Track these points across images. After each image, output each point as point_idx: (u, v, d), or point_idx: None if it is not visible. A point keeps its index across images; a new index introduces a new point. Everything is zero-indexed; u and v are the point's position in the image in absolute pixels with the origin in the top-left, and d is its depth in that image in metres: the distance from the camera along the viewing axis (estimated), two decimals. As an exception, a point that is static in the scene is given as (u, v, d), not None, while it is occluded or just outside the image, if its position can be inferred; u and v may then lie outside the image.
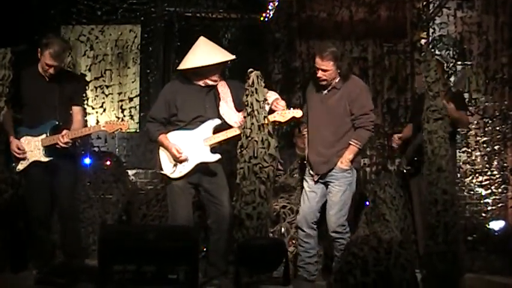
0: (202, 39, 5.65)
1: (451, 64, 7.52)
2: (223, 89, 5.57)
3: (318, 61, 5.47)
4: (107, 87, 8.11)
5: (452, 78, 6.16)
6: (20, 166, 5.55)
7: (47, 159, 5.49)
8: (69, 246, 5.63)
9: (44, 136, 5.49)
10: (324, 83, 5.51)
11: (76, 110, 5.63)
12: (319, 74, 5.48)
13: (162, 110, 5.56)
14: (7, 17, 7.24)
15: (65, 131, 5.42)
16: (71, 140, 5.41)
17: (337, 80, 5.50)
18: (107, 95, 8.13)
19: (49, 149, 5.47)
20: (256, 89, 5.39)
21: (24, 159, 5.50)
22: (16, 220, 6.06)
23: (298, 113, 5.44)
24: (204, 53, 5.50)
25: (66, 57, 5.55)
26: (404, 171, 6.10)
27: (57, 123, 5.48)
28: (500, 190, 7.52)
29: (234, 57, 5.56)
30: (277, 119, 5.46)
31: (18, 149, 5.47)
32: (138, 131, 8.09)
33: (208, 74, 5.48)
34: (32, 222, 5.64)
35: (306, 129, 5.72)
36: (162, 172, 5.55)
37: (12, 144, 5.51)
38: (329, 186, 5.52)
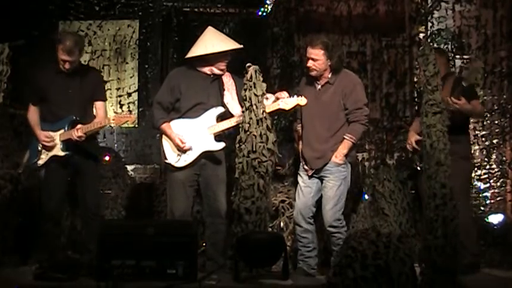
0: (210, 29, 5.71)
1: (450, 58, 7.51)
2: (228, 80, 5.62)
3: (309, 49, 5.52)
4: (105, 82, 8.07)
5: (463, 73, 6.06)
6: (41, 161, 5.64)
7: (63, 154, 5.56)
8: (90, 244, 5.57)
9: (62, 131, 5.56)
10: (314, 73, 5.52)
11: (99, 105, 5.70)
12: (309, 63, 5.52)
13: (168, 94, 5.59)
14: (5, 13, 7.23)
15: (79, 126, 5.48)
16: (84, 134, 5.45)
17: (329, 75, 5.51)
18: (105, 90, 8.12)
19: (66, 144, 5.54)
20: (254, 83, 5.40)
21: (51, 149, 5.58)
22: (16, 216, 6.08)
23: (302, 100, 5.46)
24: (213, 40, 5.54)
25: (80, 52, 5.58)
26: (418, 168, 6.04)
27: (74, 118, 5.54)
28: (499, 184, 7.51)
29: (241, 46, 5.58)
30: (281, 107, 5.49)
31: (47, 137, 5.56)
32: (136, 126, 8.08)
33: (215, 61, 5.52)
34: (42, 216, 5.67)
35: (299, 125, 5.73)
36: (166, 161, 5.56)
37: (40, 136, 5.59)
38: (324, 181, 5.53)
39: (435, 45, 7.46)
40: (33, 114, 5.70)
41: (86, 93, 5.63)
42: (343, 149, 5.48)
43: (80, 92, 5.60)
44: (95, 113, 5.72)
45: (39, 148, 5.63)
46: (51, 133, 5.59)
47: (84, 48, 5.80)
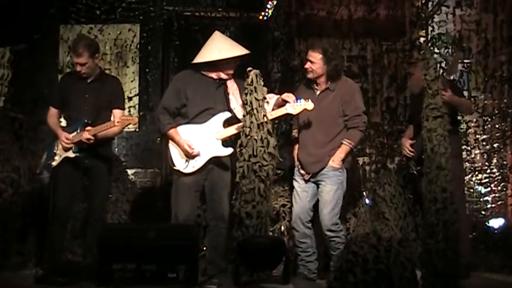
0: (217, 34, 5.70)
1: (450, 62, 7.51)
2: (233, 85, 5.60)
3: (309, 52, 5.59)
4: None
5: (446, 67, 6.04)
6: (54, 162, 5.67)
7: (73, 155, 5.60)
8: (93, 247, 5.50)
9: (75, 133, 5.59)
10: (310, 75, 5.58)
11: (115, 112, 5.72)
12: (307, 65, 5.58)
13: (174, 99, 5.56)
14: (6, 17, 7.24)
15: (88, 128, 5.52)
16: (93, 135, 5.48)
17: (328, 82, 5.54)
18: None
19: (78, 146, 5.58)
20: (255, 87, 5.39)
21: (66, 150, 5.62)
22: (16, 220, 6.09)
23: (309, 105, 5.46)
24: (222, 46, 5.53)
25: (92, 55, 5.60)
26: (414, 172, 6.01)
27: (86, 121, 5.58)
28: (499, 188, 7.52)
29: (249, 52, 5.58)
30: (289, 112, 5.49)
31: (67, 138, 5.59)
32: (137, 130, 8.08)
33: (224, 67, 5.52)
34: (50, 216, 5.66)
35: (296, 131, 5.74)
36: (175, 168, 5.54)
37: (61, 136, 5.62)
38: (320, 186, 5.53)
39: (436, 49, 7.49)
40: (52, 116, 5.78)
41: (102, 100, 5.68)
42: (340, 153, 5.49)
43: (97, 97, 5.66)
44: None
45: (54, 150, 5.68)
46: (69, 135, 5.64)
47: (99, 53, 5.81)
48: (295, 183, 5.67)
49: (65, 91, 5.75)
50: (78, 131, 5.58)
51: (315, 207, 5.59)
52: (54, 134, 5.72)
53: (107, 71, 8.02)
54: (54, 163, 5.67)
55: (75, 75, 5.74)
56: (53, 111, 5.80)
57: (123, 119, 5.54)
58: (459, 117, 6.42)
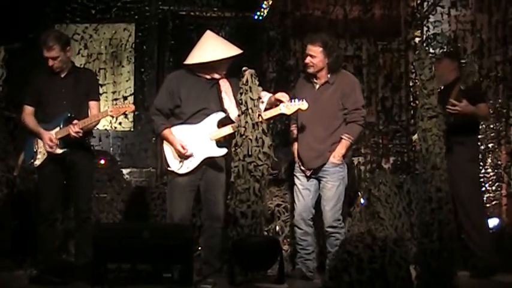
0: (209, 33, 5.66)
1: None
2: (225, 84, 5.57)
3: (308, 46, 5.56)
4: (101, 86, 8.05)
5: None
6: (37, 161, 5.56)
7: (61, 151, 5.49)
8: (84, 247, 5.53)
9: (57, 129, 5.50)
10: (311, 70, 5.56)
11: (93, 104, 5.64)
12: (307, 60, 5.56)
13: (168, 101, 5.54)
14: (1, 16, 7.23)
15: (75, 121, 5.42)
16: (81, 129, 5.40)
17: (328, 75, 5.54)
18: (101, 94, 8.11)
19: (63, 141, 5.48)
20: (250, 87, 5.39)
21: (44, 153, 5.52)
22: (11, 219, 6.07)
23: (303, 105, 5.45)
24: (215, 46, 5.50)
25: (63, 48, 5.50)
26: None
27: (69, 114, 5.48)
28: (494, 188, 7.51)
29: (242, 51, 5.56)
30: (283, 112, 5.48)
31: (51, 141, 5.46)
32: (132, 129, 8.07)
33: (217, 67, 5.49)
34: (36, 217, 5.64)
35: (294, 125, 5.73)
36: (169, 169, 5.52)
37: (45, 137, 5.48)
38: (322, 182, 5.54)
39: (431, 49, 7.49)
40: (29, 115, 5.63)
41: (79, 93, 5.58)
42: (341, 149, 5.50)
43: (74, 91, 5.56)
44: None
45: (35, 149, 5.57)
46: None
47: (70, 46, 5.67)
48: (296, 181, 5.67)
49: (39, 89, 5.60)
50: (62, 126, 5.47)
51: (316, 204, 5.60)
52: (33, 133, 5.57)
53: (102, 71, 8.08)
54: (37, 162, 5.56)
55: (47, 72, 5.59)
56: (29, 110, 5.64)
57: (117, 108, 5.49)
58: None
